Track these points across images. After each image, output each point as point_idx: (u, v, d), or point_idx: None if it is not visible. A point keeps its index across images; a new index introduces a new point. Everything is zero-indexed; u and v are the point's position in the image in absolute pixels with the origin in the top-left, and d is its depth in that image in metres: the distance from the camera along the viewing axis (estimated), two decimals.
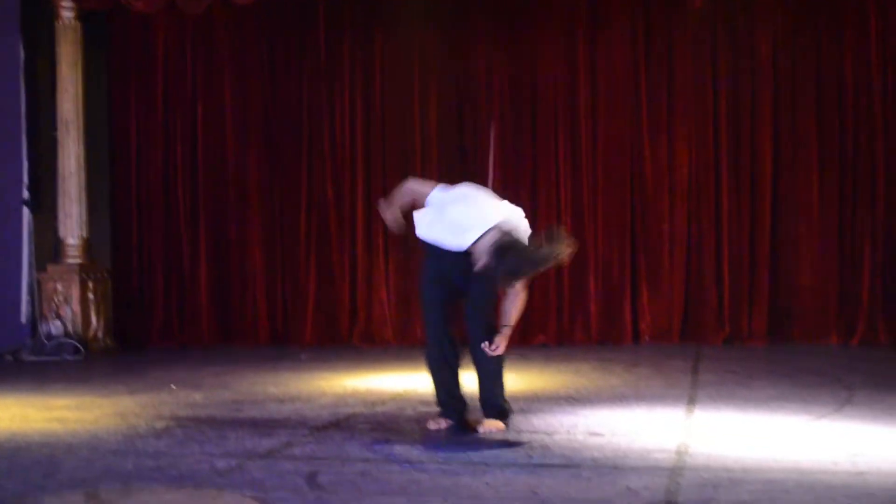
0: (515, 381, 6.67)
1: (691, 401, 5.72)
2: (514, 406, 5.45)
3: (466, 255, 4.81)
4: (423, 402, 5.79)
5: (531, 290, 8.74)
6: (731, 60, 8.75)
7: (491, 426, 4.89)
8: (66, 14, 8.93)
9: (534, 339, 8.85)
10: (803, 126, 8.63)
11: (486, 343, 4.82)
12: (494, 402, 4.96)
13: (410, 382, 6.55)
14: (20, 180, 9.16)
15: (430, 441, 4.71)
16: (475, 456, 4.36)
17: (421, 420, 5.25)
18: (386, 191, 9.06)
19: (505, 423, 4.95)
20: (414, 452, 4.45)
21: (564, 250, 4.73)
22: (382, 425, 5.15)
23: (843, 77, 8.54)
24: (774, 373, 6.81)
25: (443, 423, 5.04)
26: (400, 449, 4.53)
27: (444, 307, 5.03)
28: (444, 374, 5.04)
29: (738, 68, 8.74)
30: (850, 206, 8.56)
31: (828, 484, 3.74)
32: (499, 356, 4.91)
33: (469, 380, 5.05)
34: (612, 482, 3.83)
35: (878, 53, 8.46)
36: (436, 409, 5.15)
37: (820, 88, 8.59)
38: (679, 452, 4.33)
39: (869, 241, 8.50)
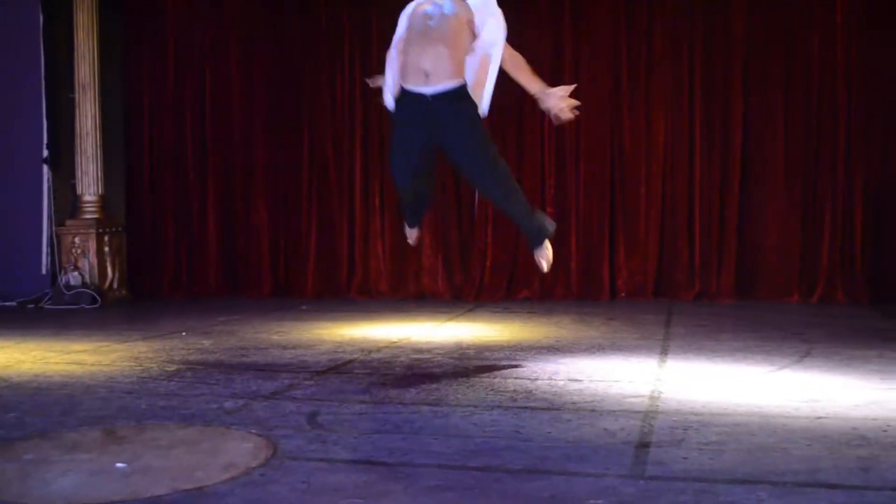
0: (501, 331, 6.75)
1: (663, 351, 5.76)
2: (499, 354, 5.50)
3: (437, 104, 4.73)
4: (416, 350, 5.84)
5: (516, 246, 8.88)
6: (705, 37, 8.70)
7: (542, 259, 5.17)
8: None
9: (518, 295, 8.89)
10: (771, 99, 8.61)
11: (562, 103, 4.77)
12: (532, 228, 5.15)
13: (404, 332, 6.59)
14: (40, 140, 9.12)
15: (423, 384, 4.73)
16: (464, 399, 4.38)
17: (413, 366, 5.28)
18: (382, 150, 9.12)
19: (550, 239, 5.21)
20: (407, 395, 4.48)
21: None
22: (377, 370, 5.16)
23: (809, 54, 8.51)
24: (740, 327, 6.85)
25: (415, 233, 5.37)
26: (394, 392, 4.56)
27: (417, 168, 4.96)
28: (415, 202, 5.19)
29: (711, 45, 8.69)
30: (812, 175, 8.56)
31: (789, 427, 3.78)
32: (515, 202, 4.97)
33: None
34: (591, 424, 3.86)
35: (843, 31, 8.43)
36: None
37: (788, 65, 8.56)
38: (652, 397, 4.36)
39: (829, 208, 8.51)
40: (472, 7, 4.89)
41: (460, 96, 4.79)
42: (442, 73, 4.72)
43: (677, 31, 8.73)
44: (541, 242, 5.14)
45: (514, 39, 8.87)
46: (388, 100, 4.96)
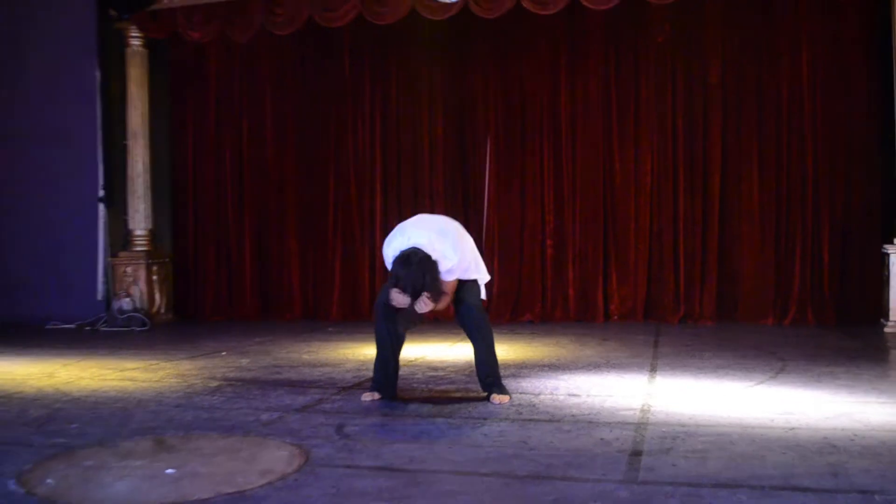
0: (507, 351, 6.72)
1: (653, 368, 5.75)
2: (505, 372, 5.48)
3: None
4: (431, 368, 5.84)
5: (520, 275, 8.90)
6: (687, 85, 8.73)
7: (500, 399, 4.60)
8: (135, 42, 8.99)
9: (522, 318, 8.88)
10: (746, 140, 8.61)
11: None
12: (496, 380, 4.70)
13: (419, 352, 6.59)
14: (96, 181, 9.22)
15: (437, 400, 4.74)
16: (475, 412, 4.39)
17: (429, 382, 5.29)
18: (399, 190, 9.17)
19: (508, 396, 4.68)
20: (424, 409, 4.49)
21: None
22: (397, 387, 5.15)
23: (780, 101, 8.53)
24: (721, 346, 6.82)
25: (376, 396, 4.71)
26: (413, 406, 4.56)
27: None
28: (388, 358, 4.71)
29: (692, 92, 8.73)
30: (784, 210, 8.55)
31: (766, 437, 3.77)
32: (486, 335, 4.66)
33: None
34: (589, 434, 3.87)
35: (808, 79, 8.46)
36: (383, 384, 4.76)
37: (760, 110, 8.57)
38: (643, 410, 4.36)
39: (800, 240, 8.49)
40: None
41: None
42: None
43: (661, 80, 8.77)
44: (499, 388, 4.68)
45: (517, 90, 9.04)
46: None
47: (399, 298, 4.33)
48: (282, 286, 9.50)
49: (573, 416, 4.26)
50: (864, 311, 8.18)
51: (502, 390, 4.70)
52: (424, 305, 4.33)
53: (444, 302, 4.53)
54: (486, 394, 4.71)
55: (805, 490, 3.01)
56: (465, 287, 4.66)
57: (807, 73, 8.47)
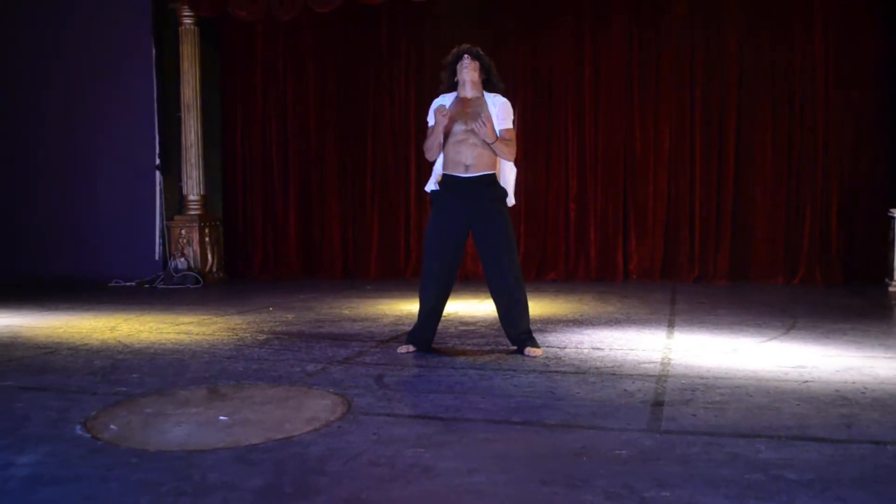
0: (533, 308, 6.58)
1: (671, 324, 5.67)
2: (532, 327, 5.41)
3: (471, 190, 4.43)
4: (464, 323, 5.80)
5: (545, 236, 8.81)
6: (705, 56, 8.53)
7: (534, 351, 4.52)
8: (187, 21, 8.91)
9: (546, 276, 8.81)
10: (761, 108, 8.42)
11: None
12: (524, 327, 4.60)
13: (452, 308, 6.54)
14: (153, 151, 9.23)
15: (469, 353, 4.70)
16: (505, 364, 4.34)
17: (461, 336, 5.24)
18: None
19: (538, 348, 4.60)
20: (457, 361, 4.45)
21: None
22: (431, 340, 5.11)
23: (792, 70, 8.32)
24: (735, 304, 6.74)
25: (411, 348, 4.64)
26: (446, 358, 4.53)
27: (450, 261, 4.53)
28: (432, 313, 4.62)
29: (710, 63, 8.53)
30: (795, 175, 8.38)
31: (780, 389, 3.69)
32: (521, 293, 4.55)
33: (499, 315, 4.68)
34: (612, 386, 3.81)
35: (821, 47, 8.22)
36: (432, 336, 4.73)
37: (774, 79, 8.37)
38: (663, 363, 4.29)
39: (809, 203, 8.33)
40: (496, 105, 4.59)
41: (491, 182, 4.52)
42: (480, 166, 4.48)
43: (681, 51, 8.57)
44: (532, 341, 4.58)
45: (544, 61, 8.88)
46: (431, 185, 4.62)
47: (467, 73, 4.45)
48: (324, 247, 9.49)
49: (597, 368, 4.21)
50: (870, 272, 8.02)
51: (535, 343, 4.63)
52: (481, 122, 4.32)
53: (488, 133, 4.37)
54: (514, 347, 4.65)
55: (820, 440, 2.92)
56: (502, 228, 4.45)
57: (820, 44, 8.23)
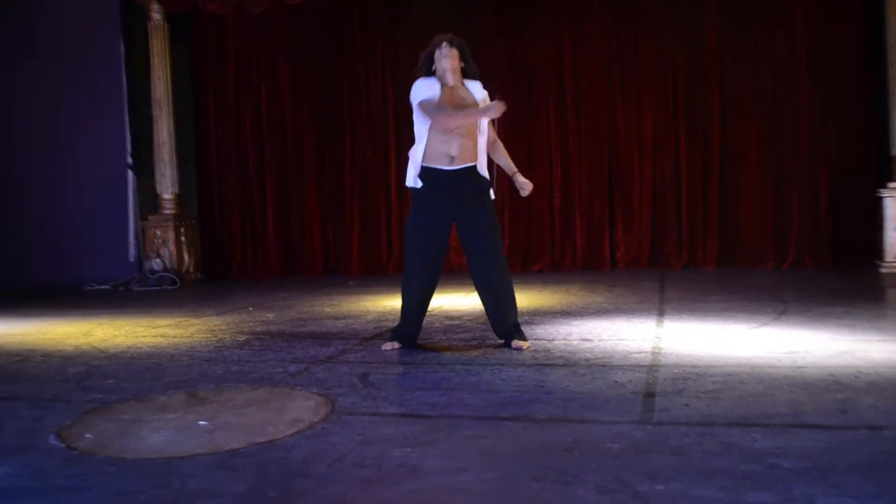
0: (520, 300, 6.55)
1: (660, 313, 5.67)
2: (520, 320, 5.38)
3: (457, 181, 4.41)
4: (449, 317, 5.78)
5: (530, 227, 8.80)
6: (686, 41, 8.56)
7: (522, 344, 4.49)
8: (156, 16, 8.83)
9: (532, 268, 8.82)
10: (744, 93, 8.47)
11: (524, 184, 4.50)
12: (512, 320, 4.58)
13: (436, 302, 6.46)
14: (125, 149, 9.15)
15: (455, 348, 4.67)
16: (492, 359, 4.31)
17: (447, 331, 5.21)
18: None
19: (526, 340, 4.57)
20: (443, 356, 4.42)
21: None
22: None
23: (774, 52, 8.35)
24: (724, 290, 6.75)
25: (396, 345, 4.59)
26: (432, 354, 4.49)
27: (433, 257, 4.50)
28: (417, 309, 4.60)
29: (692, 48, 8.56)
30: (781, 159, 8.44)
31: (774, 376, 3.69)
32: (508, 285, 4.55)
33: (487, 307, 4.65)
34: (603, 377, 3.79)
35: (804, 29, 8.26)
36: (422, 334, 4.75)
37: (756, 60, 8.41)
38: (654, 353, 4.28)
39: (796, 187, 8.39)
40: (472, 88, 4.62)
41: (474, 173, 4.49)
42: (465, 157, 4.46)
43: (661, 38, 8.59)
44: (520, 334, 4.55)
45: (522, 47, 8.85)
46: (412, 180, 4.56)
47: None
48: (304, 244, 9.43)
49: (587, 360, 4.19)
50: (859, 254, 8.07)
51: (523, 336, 4.60)
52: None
53: (457, 120, 4.40)
54: (502, 340, 4.63)
55: (815, 427, 2.92)
56: (488, 219, 4.44)
57: (803, 26, 8.26)
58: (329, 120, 9.32)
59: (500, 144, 4.75)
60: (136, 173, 9.16)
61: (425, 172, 4.50)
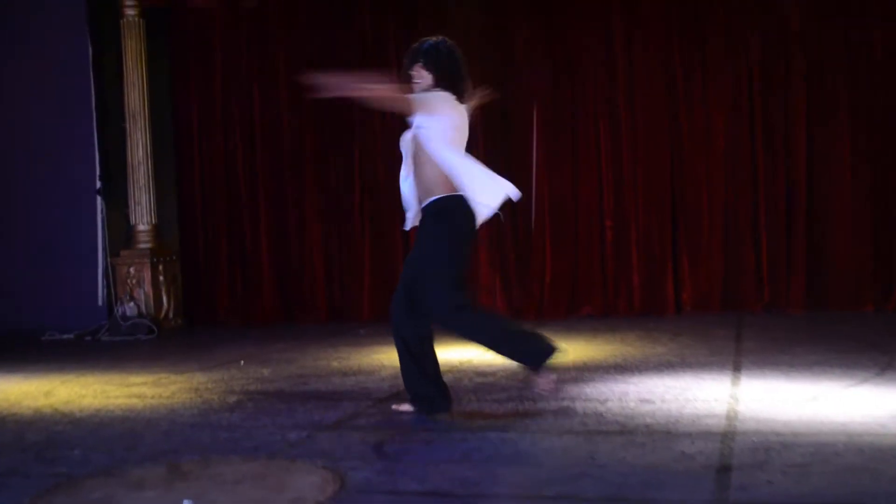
0: (564, 351, 6.64)
1: (736, 367, 5.65)
2: (566, 376, 5.39)
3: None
4: (479, 374, 5.79)
5: (576, 262, 8.80)
6: (763, 30, 8.57)
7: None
8: (130, 12, 8.99)
9: (579, 311, 8.81)
10: (834, 91, 8.43)
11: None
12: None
13: (464, 354, 6.53)
14: (93, 171, 9.24)
15: (489, 410, 4.68)
16: (532, 424, 4.32)
17: (477, 390, 5.23)
18: None
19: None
20: (473, 422, 4.43)
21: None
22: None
23: (871, 41, 8.34)
24: (815, 339, 6.70)
25: (412, 408, 4.62)
26: (460, 418, 4.51)
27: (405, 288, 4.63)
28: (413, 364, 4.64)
29: (769, 37, 8.56)
30: (881, 170, 8.38)
31: (877, 446, 3.67)
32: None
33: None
34: (667, 447, 3.79)
35: None
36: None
37: (849, 53, 8.39)
38: (729, 417, 4.27)
39: None
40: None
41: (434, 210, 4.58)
42: (422, 195, 4.67)
43: (732, 26, 8.60)
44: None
45: (564, 46, 8.90)
46: (412, 223, 4.84)
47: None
48: (304, 282, 9.47)
49: (647, 426, 4.19)
50: None
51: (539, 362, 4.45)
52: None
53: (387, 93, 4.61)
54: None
55: None
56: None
57: None
58: (334, 129, 9.36)
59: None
60: (106, 199, 9.25)
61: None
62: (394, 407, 4.71)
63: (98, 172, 9.23)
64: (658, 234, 8.78)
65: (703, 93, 8.72)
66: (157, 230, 9.18)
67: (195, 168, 9.64)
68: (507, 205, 9.04)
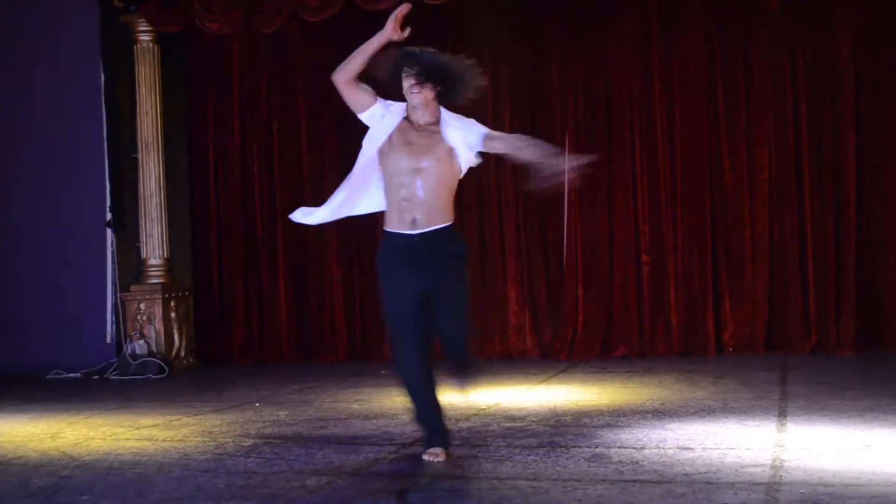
0: (598, 394, 6.65)
1: (782, 413, 5.61)
2: (598, 420, 5.39)
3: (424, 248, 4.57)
4: (508, 418, 5.79)
5: (611, 300, 8.79)
6: (810, 60, 8.59)
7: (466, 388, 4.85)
8: (144, 38, 9.12)
9: (615, 352, 8.76)
10: (887, 125, 8.44)
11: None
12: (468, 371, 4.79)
13: (493, 397, 6.53)
14: (103, 202, 9.33)
15: (518, 457, 4.68)
16: (564, 472, 4.31)
17: (506, 436, 5.23)
18: (461, 200, 9.09)
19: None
20: (502, 469, 4.43)
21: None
22: (468, 441, 5.12)
23: None
24: (867, 383, 6.65)
25: (441, 453, 4.62)
26: (488, 465, 4.51)
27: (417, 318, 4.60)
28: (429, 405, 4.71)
29: (817, 68, 8.57)
30: None
31: None
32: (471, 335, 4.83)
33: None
34: (708, 498, 3.76)
35: None
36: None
37: None
38: (774, 467, 4.24)
39: None
40: (449, 128, 4.73)
41: (448, 237, 4.66)
42: (432, 218, 4.64)
43: (777, 56, 8.63)
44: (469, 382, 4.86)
45: (599, 75, 8.96)
46: (302, 215, 5.19)
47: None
48: (323, 319, 9.50)
49: (687, 475, 4.16)
50: None
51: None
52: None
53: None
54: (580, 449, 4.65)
55: None
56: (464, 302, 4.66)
57: None
58: (355, 158, 9.40)
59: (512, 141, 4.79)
60: (116, 232, 9.33)
61: (386, 238, 4.78)
62: (425, 457, 4.66)
63: (108, 204, 9.31)
64: (698, 271, 8.75)
65: (746, 120, 8.72)
66: (170, 264, 9.25)
67: (211, 200, 9.73)
68: (538, 240, 9.12)
